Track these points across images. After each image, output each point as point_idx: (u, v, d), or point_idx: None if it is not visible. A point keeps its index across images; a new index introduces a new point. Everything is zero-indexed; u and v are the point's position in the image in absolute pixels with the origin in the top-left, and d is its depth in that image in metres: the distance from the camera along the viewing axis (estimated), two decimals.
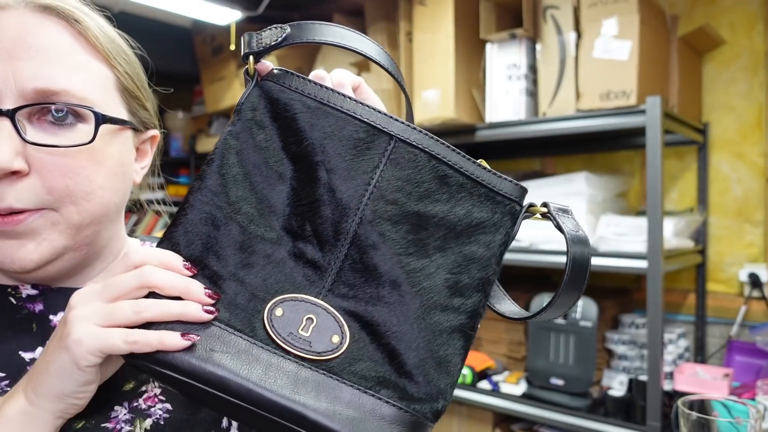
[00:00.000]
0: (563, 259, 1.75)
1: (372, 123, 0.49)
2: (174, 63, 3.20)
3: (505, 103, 1.88)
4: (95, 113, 0.52)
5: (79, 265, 0.57)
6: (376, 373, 0.44)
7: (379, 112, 0.49)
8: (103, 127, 0.52)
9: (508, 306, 0.51)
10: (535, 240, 1.91)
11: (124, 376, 0.53)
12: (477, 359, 2.04)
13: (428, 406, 0.44)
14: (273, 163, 0.47)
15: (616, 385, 1.79)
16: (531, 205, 0.54)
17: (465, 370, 1.98)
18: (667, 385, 1.72)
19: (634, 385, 1.70)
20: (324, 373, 0.43)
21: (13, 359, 0.51)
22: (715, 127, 1.99)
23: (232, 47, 2.77)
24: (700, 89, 2.02)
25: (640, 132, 1.64)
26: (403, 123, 0.51)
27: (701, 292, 1.99)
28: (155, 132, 0.68)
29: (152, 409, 0.53)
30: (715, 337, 1.99)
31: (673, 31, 1.87)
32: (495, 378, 1.99)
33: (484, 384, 1.96)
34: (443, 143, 0.51)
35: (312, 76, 0.50)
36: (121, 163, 0.57)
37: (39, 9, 0.52)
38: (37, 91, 0.49)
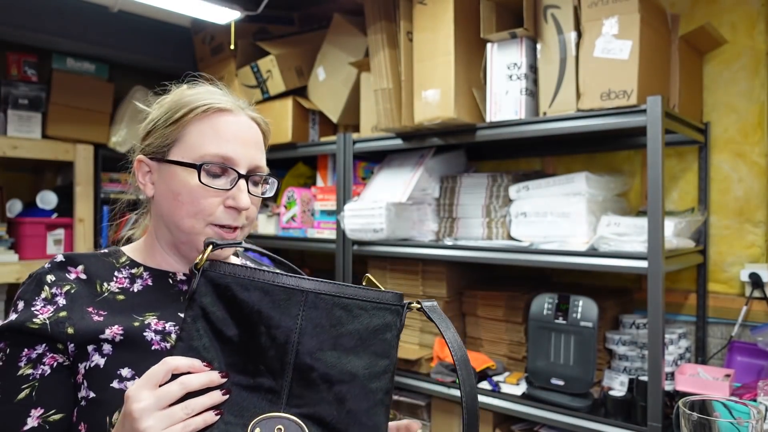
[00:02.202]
0: (563, 259, 1.75)
1: (287, 286, 0.70)
2: (173, 62, 3.19)
3: (505, 103, 1.87)
4: (276, 178, 0.92)
5: None
6: None
7: (293, 276, 0.71)
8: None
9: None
10: (535, 240, 1.91)
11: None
12: (477, 359, 2.03)
13: None
14: (226, 329, 0.70)
15: (617, 386, 1.78)
16: (409, 304, 0.74)
17: None
18: (667, 386, 1.72)
19: (634, 385, 1.70)
20: None
21: (177, 316, 0.84)
22: (716, 127, 1.99)
23: (232, 47, 2.77)
24: (701, 89, 2.01)
25: (640, 132, 1.63)
26: (310, 280, 0.71)
27: (702, 293, 1.98)
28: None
29: None
30: (716, 338, 1.98)
31: (674, 30, 1.87)
32: (495, 378, 1.98)
33: (484, 384, 1.96)
34: (341, 284, 0.72)
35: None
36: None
37: (250, 117, 0.90)
38: (255, 166, 0.87)
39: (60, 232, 2.91)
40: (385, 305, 0.72)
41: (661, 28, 1.81)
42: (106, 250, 0.91)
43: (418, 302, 0.73)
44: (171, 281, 0.88)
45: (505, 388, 1.93)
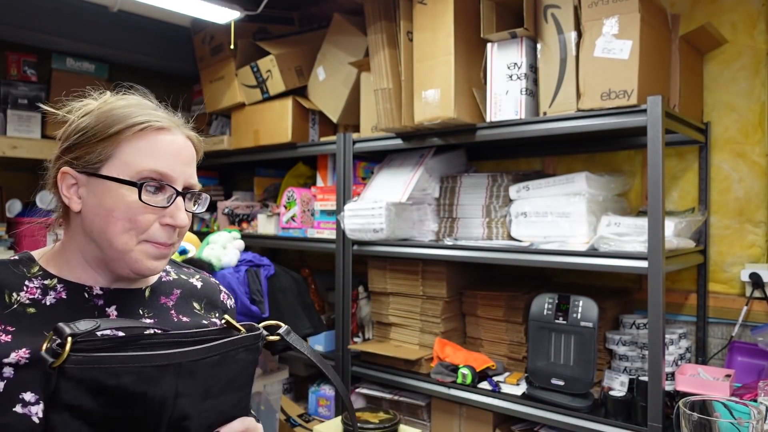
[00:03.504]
0: (563, 259, 1.75)
1: (160, 364, 0.70)
2: (173, 62, 3.19)
3: (505, 103, 1.87)
4: (207, 195, 0.93)
5: None
6: None
7: (161, 354, 0.71)
8: None
9: None
10: (535, 240, 1.91)
11: None
12: (477, 360, 2.03)
13: None
14: (96, 416, 0.67)
15: (617, 386, 1.78)
16: (266, 338, 0.84)
17: (465, 371, 1.97)
18: (668, 386, 1.72)
19: (635, 385, 1.70)
20: None
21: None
22: (717, 127, 1.99)
23: (232, 47, 2.77)
24: (702, 88, 2.01)
25: (641, 131, 1.63)
26: (181, 351, 0.72)
27: (702, 293, 1.98)
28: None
29: None
30: (716, 338, 1.98)
31: (675, 30, 1.86)
32: (495, 378, 1.98)
33: (484, 384, 1.96)
34: (206, 337, 0.78)
35: None
36: None
37: (186, 135, 0.89)
38: (189, 183, 0.87)
39: (59, 233, 2.90)
40: (247, 347, 0.80)
41: (662, 27, 1.80)
42: (16, 257, 0.86)
43: (269, 332, 0.84)
44: (87, 295, 0.84)
45: (505, 389, 1.93)
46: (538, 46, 1.84)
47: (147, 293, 0.91)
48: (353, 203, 2.17)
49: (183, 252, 2.45)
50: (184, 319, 0.92)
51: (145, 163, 0.81)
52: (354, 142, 2.32)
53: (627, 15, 1.64)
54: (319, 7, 2.91)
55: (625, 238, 1.68)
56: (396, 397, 2.23)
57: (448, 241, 2.09)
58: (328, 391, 2.54)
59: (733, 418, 0.85)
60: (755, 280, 1.85)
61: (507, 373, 2.03)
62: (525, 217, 1.94)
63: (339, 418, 1.70)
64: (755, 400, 1.50)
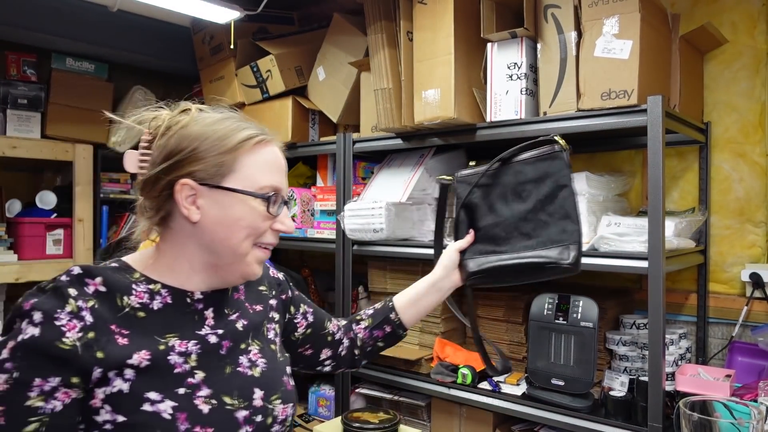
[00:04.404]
0: None
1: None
2: (173, 62, 3.19)
3: (505, 103, 1.87)
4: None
5: None
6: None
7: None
8: None
9: None
10: None
11: (241, 339, 0.94)
12: (477, 360, 2.03)
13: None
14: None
15: (617, 386, 1.78)
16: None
17: (465, 371, 1.97)
18: (668, 386, 1.71)
19: (635, 385, 1.70)
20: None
21: (195, 335, 0.87)
22: (717, 127, 1.98)
23: (232, 46, 2.76)
24: (702, 88, 2.01)
25: (641, 131, 1.63)
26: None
27: (703, 293, 1.98)
28: None
29: (259, 361, 0.94)
30: (716, 338, 1.98)
31: (675, 30, 1.86)
32: (495, 378, 1.98)
33: (484, 384, 1.96)
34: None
35: None
36: None
37: (279, 146, 0.95)
38: (287, 192, 0.95)
39: (59, 232, 2.91)
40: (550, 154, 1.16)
41: (662, 27, 1.80)
42: (115, 264, 0.89)
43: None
44: (188, 300, 0.89)
45: (505, 389, 1.92)
46: (538, 46, 1.83)
47: (229, 292, 0.97)
48: (353, 203, 2.17)
49: None
50: (257, 308, 1.00)
51: (265, 178, 0.90)
52: (354, 142, 2.32)
53: (627, 15, 1.64)
54: (319, 7, 2.91)
55: (625, 238, 1.68)
56: (396, 397, 2.23)
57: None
58: (327, 391, 2.54)
59: (734, 418, 0.85)
60: (755, 280, 1.85)
61: (507, 374, 2.03)
62: None
63: (339, 418, 1.70)
64: (755, 401, 1.50)
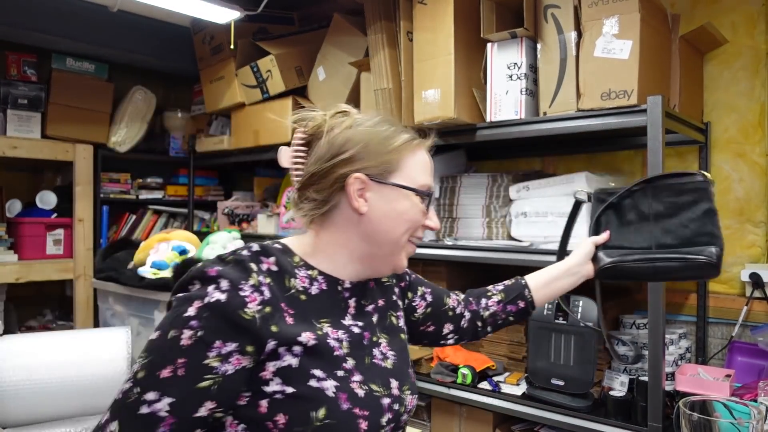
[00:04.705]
0: None
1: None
2: (173, 62, 3.19)
3: (505, 103, 1.87)
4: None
5: None
6: None
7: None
8: None
9: None
10: (536, 240, 1.91)
11: (372, 332, 0.98)
12: (477, 360, 2.03)
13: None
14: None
15: (617, 386, 1.78)
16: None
17: (465, 371, 1.97)
18: (668, 386, 1.72)
19: (635, 385, 1.70)
20: None
21: (342, 325, 0.92)
22: (717, 127, 1.99)
23: (232, 47, 2.77)
24: (702, 88, 2.01)
25: (641, 131, 1.63)
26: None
27: (702, 293, 1.98)
28: None
29: (389, 353, 0.98)
30: (716, 338, 1.98)
31: (675, 30, 1.86)
32: (495, 378, 1.98)
33: (484, 384, 1.96)
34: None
35: None
36: None
37: (430, 149, 1.01)
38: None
39: (59, 232, 2.91)
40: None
41: (662, 27, 1.80)
42: (279, 246, 0.94)
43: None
44: (339, 288, 0.94)
45: (505, 388, 1.93)
46: (538, 46, 1.84)
47: (368, 283, 1.01)
48: None
49: (183, 252, 2.45)
50: (383, 300, 1.04)
51: (423, 177, 0.97)
52: None
53: (627, 15, 1.64)
54: (319, 7, 2.91)
55: None
56: None
57: (448, 241, 2.09)
58: None
59: (733, 418, 0.85)
60: (755, 280, 1.85)
61: (507, 373, 2.04)
62: (525, 217, 1.94)
63: None
64: (755, 400, 1.50)
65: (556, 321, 1.81)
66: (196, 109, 3.38)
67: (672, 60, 1.85)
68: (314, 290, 0.91)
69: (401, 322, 1.06)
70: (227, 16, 2.51)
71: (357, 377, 0.88)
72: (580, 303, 1.79)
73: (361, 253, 0.95)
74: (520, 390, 1.91)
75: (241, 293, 0.80)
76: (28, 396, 1.42)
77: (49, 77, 2.90)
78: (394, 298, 1.08)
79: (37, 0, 2.66)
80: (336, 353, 0.87)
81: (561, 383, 1.78)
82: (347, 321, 0.93)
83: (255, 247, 0.89)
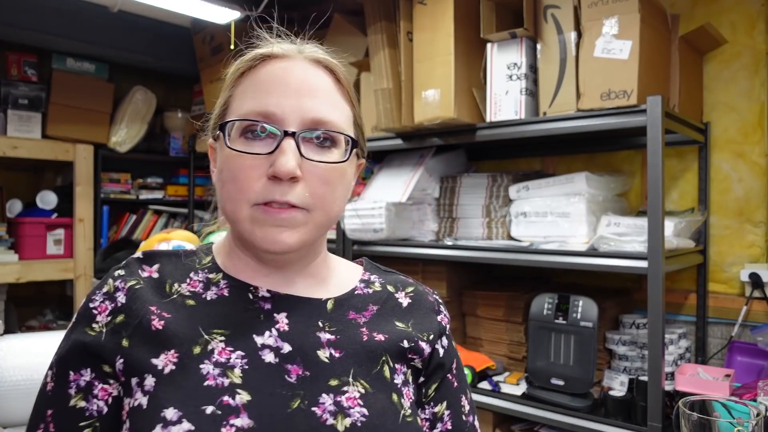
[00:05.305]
0: (563, 259, 1.75)
1: None
2: (173, 62, 3.19)
3: (505, 103, 1.87)
4: (351, 139, 0.71)
5: (301, 267, 0.74)
6: None
7: None
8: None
9: None
10: (535, 240, 1.91)
11: (329, 373, 0.67)
12: (477, 359, 2.03)
13: None
14: None
15: (617, 386, 1.78)
16: None
17: (465, 370, 1.97)
18: (668, 386, 1.72)
19: (634, 385, 1.70)
20: None
21: (247, 343, 0.67)
22: (716, 127, 1.99)
23: (232, 46, 2.76)
24: (701, 89, 2.01)
25: (640, 132, 1.63)
26: None
27: (702, 293, 1.98)
28: (364, 160, 0.82)
29: (352, 410, 0.65)
30: (716, 338, 1.98)
31: (674, 30, 1.86)
32: (495, 378, 1.98)
33: (484, 384, 1.96)
34: None
35: None
36: (350, 180, 0.75)
37: (313, 61, 0.73)
38: (314, 120, 0.68)
39: (60, 232, 2.91)
40: None
41: (661, 28, 1.81)
42: (194, 248, 0.78)
43: None
44: (251, 296, 0.71)
45: (505, 388, 1.93)
46: (538, 46, 1.84)
47: (330, 305, 0.74)
48: (353, 203, 2.17)
49: None
50: (379, 337, 0.72)
51: (246, 103, 0.69)
52: None
53: (627, 15, 1.64)
54: (319, 7, 2.91)
55: (624, 238, 1.68)
56: None
57: (448, 241, 2.09)
58: None
59: (733, 418, 0.85)
60: (755, 280, 1.86)
61: (507, 373, 2.04)
62: (525, 217, 1.94)
63: None
64: (755, 400, 1.50)
65: (556, 321, 1.81)
66: (196, 109, 3.38)
67: (672, 60, 1.85)
68: (210, 295, 0.71)
69: (398, 379, 0.71)
70: (227, 16, 2.51)
71: (242, 420, 0.59)
72: (580, 303, 1.79)
73: (236, 239, 0.73)
74: (520, 390, 1.91)
75: (91, 305, 0.67)
76: (28, 396, 1.42)
77: (50, 77, 2.90)
78: (406, 346, 0.73)
79: (37, 0, 2.66)
80: (209, 383, 0.62)
81: (561, 383, 1.78)
82: (263, 339, 0.67)
83: (139, 254, 0.74)
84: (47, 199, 2.93)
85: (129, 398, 0.63)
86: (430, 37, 1.93)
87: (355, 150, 0.73)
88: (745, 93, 1.93)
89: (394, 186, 2.14)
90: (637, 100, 1.60)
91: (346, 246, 2.29)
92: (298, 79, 0.69)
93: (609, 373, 1.84)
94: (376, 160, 2.42)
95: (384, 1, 2.08)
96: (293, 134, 0.66)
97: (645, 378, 1.61)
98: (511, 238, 1.99)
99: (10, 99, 2.76)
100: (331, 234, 2.39)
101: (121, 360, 0.64)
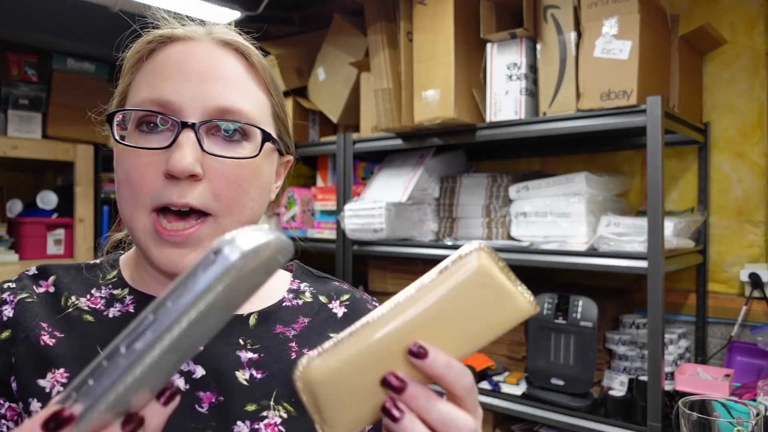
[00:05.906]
0: (563, 259, 1.75)
1: None
2: None
3: (505, 103, 1.87)
4: (263, 131, 0.62)
5: None
6: None
7: None
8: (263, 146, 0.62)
9: None
10: (535, 240, 1.91)
11: (247, 397, 0.60)
12: (477, 359, 2.03)
13: None
14: None
15: (617, 386, 1.79)
16: None
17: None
18: (667, 386, 1.72)
19: (634, 385, 1.70)
20: None
21: None
22: (716, 127, 1.99)
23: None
24: (701, 89, 2.01)
25: (640, 132, 1.63)
26: None
27: (702, 293, 1.99)
28: (291, 157, 0.74)
29: None
30: (715, 338, 1.99)
31: (674, 30, 1.87)
32: (495, 378, 1.98)
33: (484, 384, 1.96)
34: None
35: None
36: (269, 181, 0.66)
37: (221, 43, 0.64)
38: (219, 109, 0.59)
39: (60, 232, 2.91)
40: None
41: (661, 28, 1.81)
42: (98, 261, 0.71)
43: None
44: None
45: (505, 388, 1.93)
46: (538, 46, 1.84)
47: (253, 321, 0.67)
48: (353, 203, 2.17)
49: None
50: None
51: (140, 92, 0.61)
52: (354, 142, 2.32)
53: (626, 16, 1.64)
54: (319, 7, 2.91)
55: (624, 238, 1.68)
56: None
57: (448, 241, 2.09)
58: None
59: (732, 418, 0.85)
60: (754, 280, 1.86)
61: (507, 373, 2.04)
62: (525, 217, 1.94)
63: None
64: (754, 400, 1.50)
65: (556, 321, 1.82)
66: None
67: (671, 60, 1.85)
68: (114, 312, 0.64)
69: None
70: (227, 16, 2.51)
71: None
72: (580, 303, 1.79)
73: (144, 254, 0.62)
74: (519, 390, 1.91)
75: None
76: None
77: (50, 77, 2.90)
78: None
79: (37, 0, 2.66)
80: None
81: (561, 383, 1.78)
82: None
83: (32, 270, 0.68)
84: (47, 199, 2.93)
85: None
86: (430, 37, 1.93)
87: (275, 146, 0.65)
88: (745, 93, 1.93)
89: (394, 186, 2.14)
90: (636, 101, 1.61)
91: (346, 246, 2.29)
92: (201, 63, 0.60)
93: (609, 373, 1.84)
94: (376, 160, 2.42)
95: (384, 2, 2.08)
96: (193, 125, 0.57)
97: (645, 378, 1.61)
98: (511, 238, 1.99)
99: (11, 99, 2.76)
100: (331, 234, 2.39)
101: (14, 379, 0.59)
